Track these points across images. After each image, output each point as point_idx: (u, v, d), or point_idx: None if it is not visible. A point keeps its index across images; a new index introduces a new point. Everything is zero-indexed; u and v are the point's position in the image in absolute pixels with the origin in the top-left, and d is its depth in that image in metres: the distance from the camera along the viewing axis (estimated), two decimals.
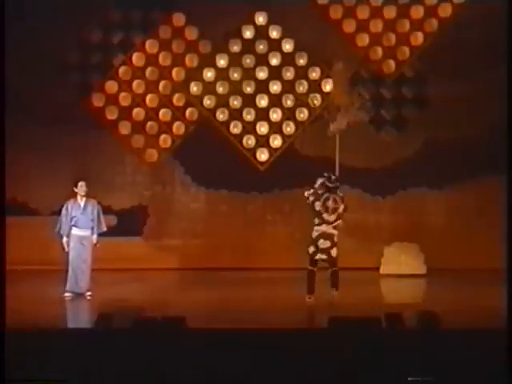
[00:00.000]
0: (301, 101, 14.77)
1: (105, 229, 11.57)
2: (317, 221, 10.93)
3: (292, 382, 6.48)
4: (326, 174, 11.06)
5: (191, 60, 14.88)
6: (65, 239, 11.35)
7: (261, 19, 14.82)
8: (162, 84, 14.86)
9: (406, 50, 14.75)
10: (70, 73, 14.70)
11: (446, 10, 14.62)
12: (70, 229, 11.33)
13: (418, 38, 14.71)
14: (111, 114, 14.82)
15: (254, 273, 13.81)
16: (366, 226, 14.67)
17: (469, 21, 14.20)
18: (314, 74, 14.79)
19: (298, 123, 14.83)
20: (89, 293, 11.29)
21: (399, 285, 13.35)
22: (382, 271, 14.00)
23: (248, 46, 14.85)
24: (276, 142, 14.88)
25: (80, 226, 11.36)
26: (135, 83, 14.85)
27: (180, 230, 14.95)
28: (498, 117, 11.00)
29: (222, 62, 14.84)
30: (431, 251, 14.11)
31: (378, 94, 14.78)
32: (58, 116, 14.30)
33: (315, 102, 11.99)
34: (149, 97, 14.85)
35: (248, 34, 14.85)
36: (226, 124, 14.84)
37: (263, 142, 14.87)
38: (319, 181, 10.99)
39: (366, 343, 6.63)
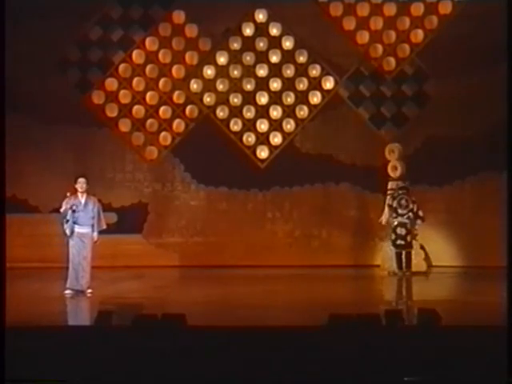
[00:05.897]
0: (301, 98, 14.78)
1: (104, 226, 11.53)
2: (394, 214, 13.26)
3: (292, 380, 6.48)
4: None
5: (191, 57, 14.86)
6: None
7: (261, 16, 14.80)
8: (161, 81, 14.85)
9: (406, 47, 14.73)
10: (70, 70, 14.70)
11: (446, 8, 14.60)
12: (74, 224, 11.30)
13: (418, 36, 14.68)
14: (111, 112, 14.81)
15: (254, 270, 13.80)
16: (366, 223, 14.68)
17: (469, 18, 14.17)
18: (314, 71, 14.79)
19: (298, 121, 14.83)
20: (89, 290, 11.27)
21: (399, 282, 13.33)
22: (381, 268, 13.99)
23: (248, 44, 14.84)
24: (276, 139, 14.86)
25: (80, 223, 11.31)
26: (135, 80, 14.84)
27: (180, 228, 14.95)
28: (498, 114, 11.01)
29: (222, 59, 14.83)
30: (431, 248, 14.14)
31: (378, 92, 14.78)
32: (58, 113, 14.29)
33: None
34: (149, 94, 14.84)
35: (248, 31, 14.83)
36: (226, 121, 14.83)
37: (263, 139, 14.86)
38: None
39: (366, 340, 6.63)
